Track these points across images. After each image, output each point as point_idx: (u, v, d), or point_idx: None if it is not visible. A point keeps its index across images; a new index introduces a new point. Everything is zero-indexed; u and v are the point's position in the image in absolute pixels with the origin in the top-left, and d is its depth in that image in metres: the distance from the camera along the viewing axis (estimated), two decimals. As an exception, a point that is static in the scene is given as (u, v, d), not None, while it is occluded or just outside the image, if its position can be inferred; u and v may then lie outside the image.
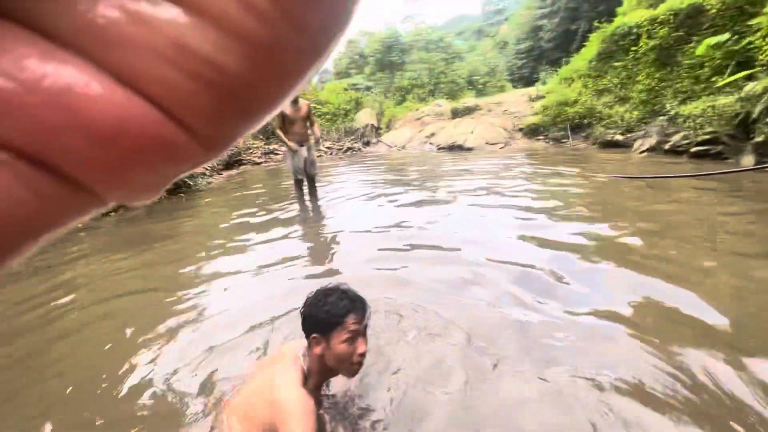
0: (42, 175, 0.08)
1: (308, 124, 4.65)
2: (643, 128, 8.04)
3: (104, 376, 1.66)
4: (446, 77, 18.09)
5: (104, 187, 0.09)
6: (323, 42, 0.09)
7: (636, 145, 7.67)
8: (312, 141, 4.72)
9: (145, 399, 1.52)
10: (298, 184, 4.80)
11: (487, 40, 32.46)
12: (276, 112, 0.11)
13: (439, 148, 11.00)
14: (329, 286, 1.20)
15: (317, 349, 1.13)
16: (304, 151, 4.63)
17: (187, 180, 6.44)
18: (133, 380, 1.62)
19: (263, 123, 0.10)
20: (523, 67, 27.68)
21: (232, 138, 0.10)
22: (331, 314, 1.12)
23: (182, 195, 6.13)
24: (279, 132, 4.51)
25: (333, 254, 2.97)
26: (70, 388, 1.61)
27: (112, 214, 4.93)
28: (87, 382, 1.64)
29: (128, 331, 2.00)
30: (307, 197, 4.90)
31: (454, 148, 10.55)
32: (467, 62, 20.07)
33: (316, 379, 1.17)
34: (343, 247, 3.13)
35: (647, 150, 7.30)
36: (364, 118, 15.51)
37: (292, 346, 1.25)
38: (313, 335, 1.13)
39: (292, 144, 4.48)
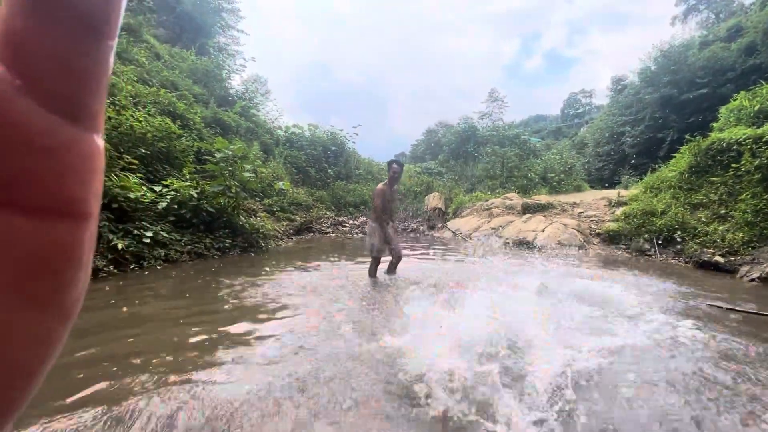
0: None
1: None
2: (751, 253, 7.02)
3: None
4: (520, 171, 18.12)
5: None
6: None
7: (742, 270, 6.65)
8: (396, 220, 4.89)
9: None
10: (376, 261, 4.78)
11: (565, 141, 32.60)
12: None
13: (506, 243, 10.63)
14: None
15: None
16: (389, 230, 4.71)
17: (260, 240, 6.93)
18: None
19: None
20: (603, 169, 26.82)
21: None
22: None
23: (252, 252, 6.54)
24: (379, 211, 4.63)
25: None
26: None
27: (190, 262, 5.38)
28: None
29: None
30: (381, 273, 4.89)
31: (521, 244, 10.12)
32: (543, 159, 20.04)
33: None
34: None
35: (758, 279, 6.27)
36: (433, 201, 15.89)
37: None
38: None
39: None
